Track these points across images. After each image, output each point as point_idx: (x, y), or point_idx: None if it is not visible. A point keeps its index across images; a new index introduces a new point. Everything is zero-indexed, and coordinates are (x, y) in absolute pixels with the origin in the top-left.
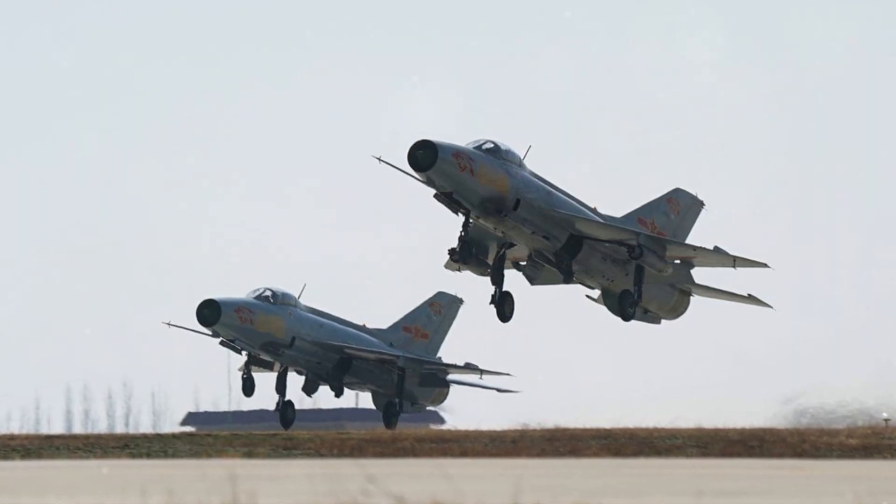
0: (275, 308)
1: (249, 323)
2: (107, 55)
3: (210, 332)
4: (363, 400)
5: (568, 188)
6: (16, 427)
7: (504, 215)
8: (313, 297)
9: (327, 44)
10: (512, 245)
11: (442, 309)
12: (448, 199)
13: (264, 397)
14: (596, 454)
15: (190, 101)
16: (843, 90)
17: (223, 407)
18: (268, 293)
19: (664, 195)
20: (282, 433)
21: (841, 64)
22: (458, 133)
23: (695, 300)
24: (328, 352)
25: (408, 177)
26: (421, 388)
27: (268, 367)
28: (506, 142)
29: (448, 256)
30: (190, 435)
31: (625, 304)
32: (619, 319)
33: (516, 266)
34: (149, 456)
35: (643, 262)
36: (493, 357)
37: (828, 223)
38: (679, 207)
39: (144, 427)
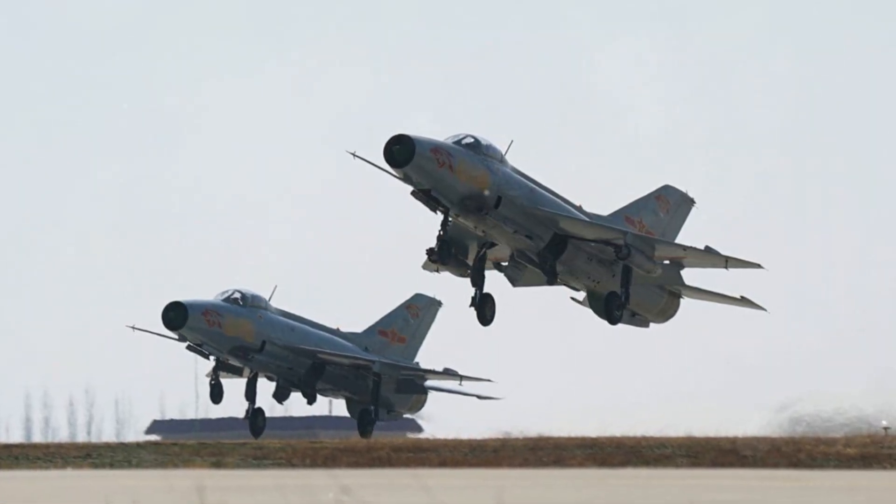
0: (244, 311)
1: (217, 326)
2: (72, 50)
3: (176, 336)
4: (337, 407)
5: (552, 185)
6: None
7: (485, 213)
8: (284, 300)
9: (301, 36)
10: (493, 245)
11: (419, 312)
12: (426, 196)
13: (233, 404)
14: (581, 464)
15: (157, 98)
16: (838, 86)
17: (190, 414)
18: (237, 295)
19: (653, 192)
20: (252, 442)
21: (836, 61)
22: (437, 128)
23: (685, 302)
24: (300, 357)
25: (384, 173)
26: (397, 395)
27: (237, 372)
28: (487, 137)
29: (426, 257)
30: (155, 444)
31: (611, 307)
32: (605, 323)
33: (497, 267)
34: (112, 466)
35: (630, 263)
36: (474, 362)
37: (824, 222)
38: (668, 205)
39: (107, 436)
